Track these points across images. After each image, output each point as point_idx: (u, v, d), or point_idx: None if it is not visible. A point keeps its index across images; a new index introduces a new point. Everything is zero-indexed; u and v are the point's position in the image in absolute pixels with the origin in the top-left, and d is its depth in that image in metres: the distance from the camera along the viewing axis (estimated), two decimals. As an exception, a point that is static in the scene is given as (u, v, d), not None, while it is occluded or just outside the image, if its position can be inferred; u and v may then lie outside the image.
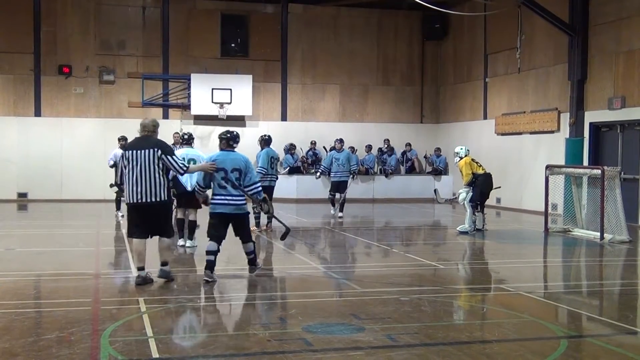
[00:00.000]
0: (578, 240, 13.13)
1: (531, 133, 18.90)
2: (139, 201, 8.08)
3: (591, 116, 16.79)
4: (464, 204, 13.77)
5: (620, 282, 9.58)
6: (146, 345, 5.71)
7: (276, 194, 13.86)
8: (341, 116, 23.19)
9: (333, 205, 16.83)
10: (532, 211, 17.79)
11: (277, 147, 17.48)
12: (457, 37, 22.85)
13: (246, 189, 8.47)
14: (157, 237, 8.33)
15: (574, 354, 5.79)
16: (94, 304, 7.26)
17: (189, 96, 21.51)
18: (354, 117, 23.28)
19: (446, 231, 15.33)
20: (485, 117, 21.23)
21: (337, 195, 16.66)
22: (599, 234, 12.79)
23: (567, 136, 17.26)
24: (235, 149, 8.71)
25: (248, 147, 15.40)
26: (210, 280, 8.27)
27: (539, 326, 6.60)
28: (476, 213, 13.76)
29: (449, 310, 7.41)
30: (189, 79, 21.46)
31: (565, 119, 17.47)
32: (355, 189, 20.16)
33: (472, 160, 13.89)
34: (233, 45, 22.48)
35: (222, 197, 8.41)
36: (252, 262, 8.80)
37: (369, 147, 22.52)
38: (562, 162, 16.61)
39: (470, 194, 13.65)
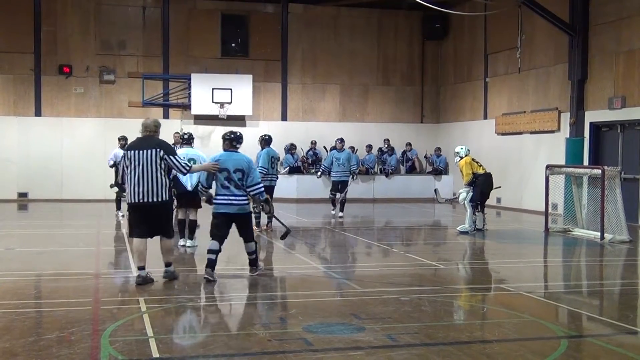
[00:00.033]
0: (578, 240, 13.13)
1: (531, 133, 18.90)
2: (141, 201, 8.08)
3: (591, 116, 16.79)
4: (464, 203, 13.77)
5: (621, 282, 9.58)
6: (146, 345, 5.71)
7: (276, 194, 13.86)
8: (341, 116, 23.19)
9: (333, 205, 16.83)
10: (532, 211, 17.79)
11: (278, 147, 17.48)
12: (457, 37, 22.85)
13: (249, 189, 8.48)
14: (158, 237, 8.35)
15: (574, 354, 5.78)
16: (94, 303, 7.26)
17: (189, 96, 21.51)
18: (354, 117, 23.28)
19: (446, 231, 15.33)
20: (485, 117, 21.22)
21: (338, 195, 16.67)
22: (599, 233, 12.78)
23: (568, 136, 17.26)
24: (239, 150, 8.74)
25: (248, 147, 15.26)
26: (210, 279, 8.28)
27: (540, 326, 6.60)
28: (476, 213, 13.76)
29: (449, 310, 7.41)
30: (189, 79, 21.46)
31: (566, 118, 17.47)
32: (356, 189, 20.16)
33: (473, 160, 13.89)
34: (233, 45, 22.48)
35: (226, 197, 8.43)
36: (254, 263, 8.80)
37: (369, 147, 22.53)
38: (563, 162, 16.61)
39: (471, 193, 13.65)
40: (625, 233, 12.63)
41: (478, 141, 20.56)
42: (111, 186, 15.76)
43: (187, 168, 8.43)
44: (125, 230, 13.10)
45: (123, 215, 15.39)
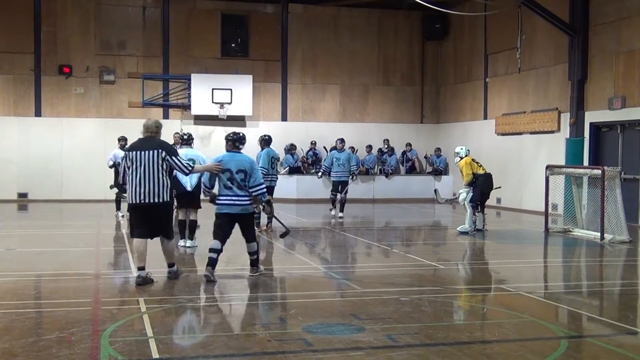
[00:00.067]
0: (578, 241, 13.13)
1: (531, 133, 18.90)
2: (142, 202, 8.09)
3: (591, 116, 16.79)
4: (464, 204, 13.77)
5: (621, 282, 9.58)
6: (146, 346, 5.71)
7: (276, 194, 13.85)
8: (341, 116, 23.18)
9: (333, 205, 16.82)
10: (532, 211, 17.79)
11: (278, 147, 17.49)
12: (457, 37, 22.85)
13: (251, 190, 8.51)
14: (158, 239, 8.36)
15: (574, 354, 5.78)
16: (94, 304, 7.26)
17: (189, 96, 21.51)
18: (354, 117, 23.27)
19: (446, 231, 15.33)
20: (485, 117, 21.23)
21: (338, 196, 16.66)
22: (599, 234, 12.78)
23: (568, 136, 17.26)
24: (242, 150, 8.76)
25: (248, 147, 15.05)
26: (211, 277, 8.29)
27: (539, 326, 6.60)
28: (476, 213, 13.76)
29: (449, 310, 7.41)
30: (189, 79, 21.46)
31: (566, 119, 17.47)
32: (356, 189, 20.16)
33: (473, 160, 13.89)
34: (233, 45, 22.47)
35: (229, 198, 8.47)
36: (255, 263, 8.81)
37: (369, 148, 22.52)
38: (563, 162, 16.61)
39: (471, 194, 13.65)
40: (625, 233, 12.63)
41: (478, 141, 20.56)
42: (111, 187, 15.75)
43: (190, 168, 8.47)
44: (125, 230, 13.11)
45: (123, 216, 15.39)
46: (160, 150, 8.15)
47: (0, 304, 7.15)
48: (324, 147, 21.85)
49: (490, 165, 15.35)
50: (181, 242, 11.18)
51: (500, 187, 14.90)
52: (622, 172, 14.08)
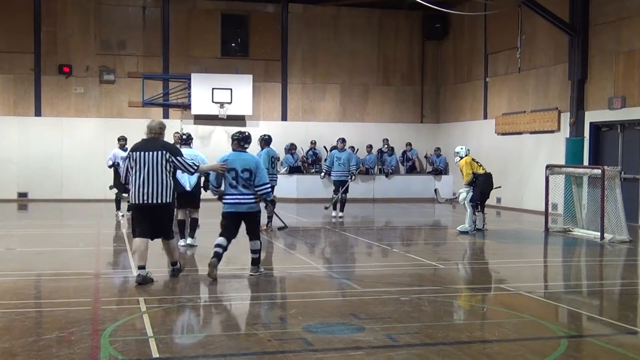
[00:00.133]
0: (578, 240, 13.13)
1: (531, 133, 18.90)
2: (145, 202, 8.11)
3: (591, 116, 16.79)
4: (464, 203, 13.77)
5: (621, 282, 9.58)
6: (146, 345, 5.71)
7: (276, 193, 13.67)
8: (341, 116, 23.18)
9: (334, 206, 16.78)
10: (532, 211, 17.79)
11: (278, 146, 17.49)
12: (457, 36, 22.85)
13: (256, 189, 8.53)
14: (159, 239, 8.37)
15: (574, 354, 5.78)
16: (94, 303, 7.26)
17: (189, 96, 21.51)
18: (354, 117, 23.27)
19: (446, 231, 15.33)
20: (485, 117, 21.23)
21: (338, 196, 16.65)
22: (599, 233, 12.78)
23: (568, 136, 17.26)
24: (247, 150, 8.77)
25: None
26: (213, 270, 8.31)
27: (539, 326, 6.60)
28: (476, 213, 13.76)
29: (449, 310, 7.40)
30: (189, 79, 21.46)
31: (566, 118, 17.47)
32: (356, 189, 20.15)
33: (473, 160, 13.89)
34: (233, 45, 22.47)
35: (234, 197, 8.52)
36: (256, 262, 8.82)
37: (369, 147, 22.52)
38: (563, 162, 16.61)
39: (471, 193, 13.65)
40: (625, 233, 12.63)
41: (478, 141, 20.56)
42: (110, 187, 15.75)
43: (195, 168, 8.52)
44: (125, 230, 13.12)
45: (123, 215, 15.40)
46: (164, 152, 8.18)
47: (0, 304, 7.15)
48: (324, 147, 21.85)
49: (490, 164, 15.35)
50: (181, 242, 11.17)
51: (500, 187, 14.90)
52: (622, 172, 14.06)
